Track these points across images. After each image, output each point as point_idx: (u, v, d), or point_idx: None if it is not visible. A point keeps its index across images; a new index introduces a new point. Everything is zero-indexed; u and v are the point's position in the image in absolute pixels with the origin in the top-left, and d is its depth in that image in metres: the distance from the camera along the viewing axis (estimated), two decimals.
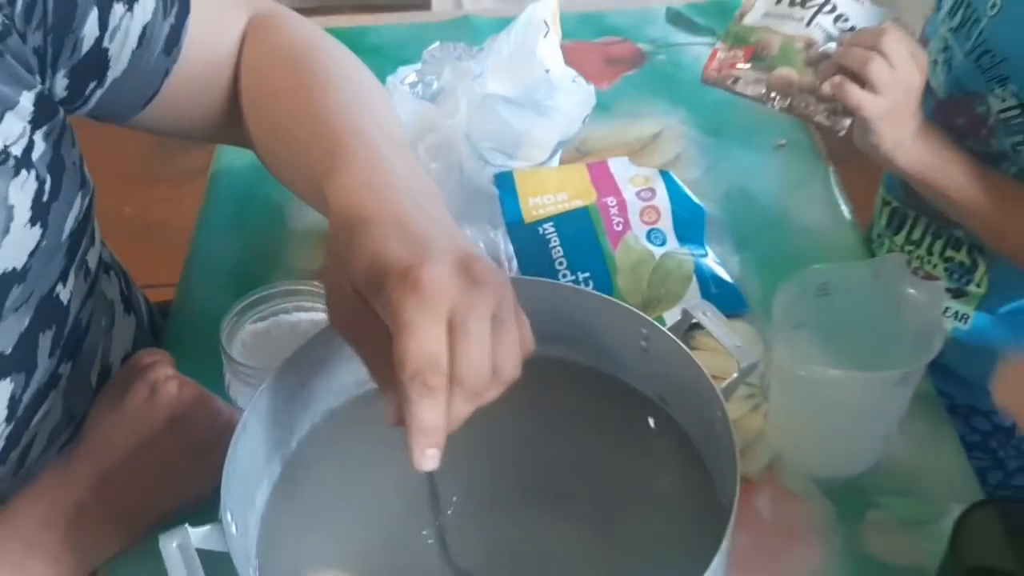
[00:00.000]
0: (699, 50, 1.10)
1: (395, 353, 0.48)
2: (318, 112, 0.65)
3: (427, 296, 0.48)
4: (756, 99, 0.81)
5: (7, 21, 0.63)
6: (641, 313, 0.63)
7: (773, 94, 0.80)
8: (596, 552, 0.59)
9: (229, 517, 0.53)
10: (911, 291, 0.63)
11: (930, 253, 0.91)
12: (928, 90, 0.82)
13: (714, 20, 1.13)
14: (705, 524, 0.54)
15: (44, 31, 0.65)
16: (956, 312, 0.91)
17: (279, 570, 0.57)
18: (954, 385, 0.91)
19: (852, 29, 0.79)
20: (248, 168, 0.98)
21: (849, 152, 0.85)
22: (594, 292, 0.65)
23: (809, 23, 0.80)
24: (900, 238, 0.93)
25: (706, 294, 0.80)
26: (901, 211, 0.93)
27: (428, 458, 0.49)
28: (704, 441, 0.60)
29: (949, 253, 0.90)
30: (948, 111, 0.83)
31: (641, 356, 0.63)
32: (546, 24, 0.84)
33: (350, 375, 0.66)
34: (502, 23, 0.92)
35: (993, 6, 0.79)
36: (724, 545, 0.50)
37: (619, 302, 0.64)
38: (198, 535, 0.51)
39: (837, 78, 0.75)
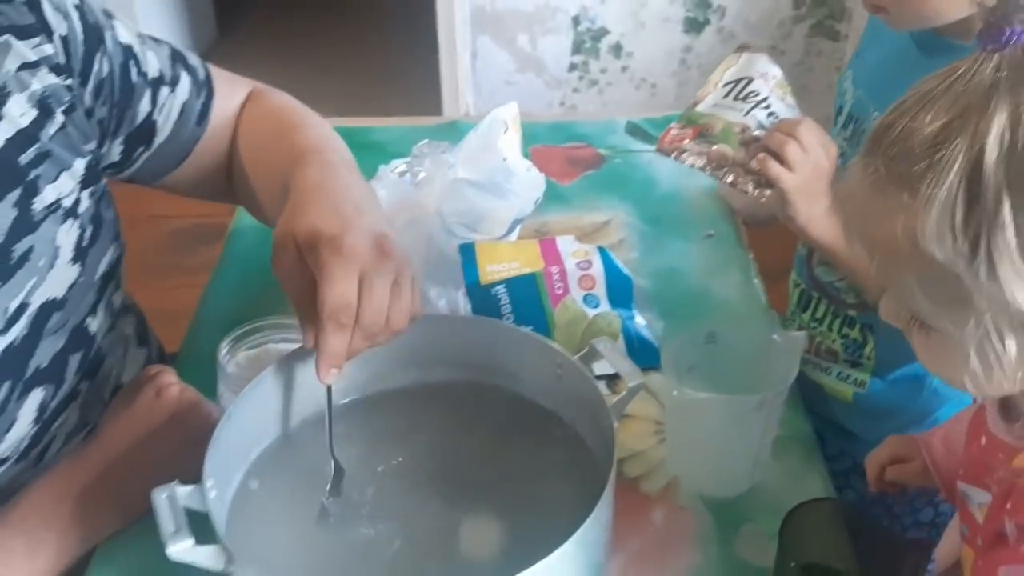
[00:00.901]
0: (651, 156, 1.26)
1: (319, 296, 0.67)
2: (291, 142, 0.86)
3: (346, 256, 0.67)
4: (696, 168, 0.96)
5: (75, 100, 0.81)
6: (557, 347, 0.78)
7: (711, 164, 0.95)
8: (506, 529, 0.72)
9: (209, 484, 0.66)
10: (776, 339, 0.78)
11: (830, 330, 1.05)
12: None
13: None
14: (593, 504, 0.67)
15: (110, 106, 0.84)
16: (855, 379, 1.05)
17: (243, 537, 0.70)
18: (855, 445, 1.04)
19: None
20: (257, 238, 1.15)
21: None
22: (522, 329, 0.81)
23: (747, 114, 0.97)
24: (807, 316, 1.08)
25: (630, 349, 0.94)
26: (807, 293, 1.08)
27: (331, 375, 0.69)
28: (599, 447, 0.73)
29: (845, 331, 1.04)
30: None
31: (556, 382, 0.78)
32: (506, 124, 1.01)
33: (315, 395, 0.80)
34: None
35: (875, 119, 0.95)
36: (598, 507, 0.63)
37: (541, 338, 0.79)
38: (183, 492, 0.65)
39: (761, 155, 0.91)
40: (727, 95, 0.99)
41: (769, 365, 0.78)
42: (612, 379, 0.90)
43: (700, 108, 1.00)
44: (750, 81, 0.99)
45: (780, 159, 0.90)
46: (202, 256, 2.42)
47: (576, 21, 2.57)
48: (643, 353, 0.94)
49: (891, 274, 0.58)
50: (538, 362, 0.79)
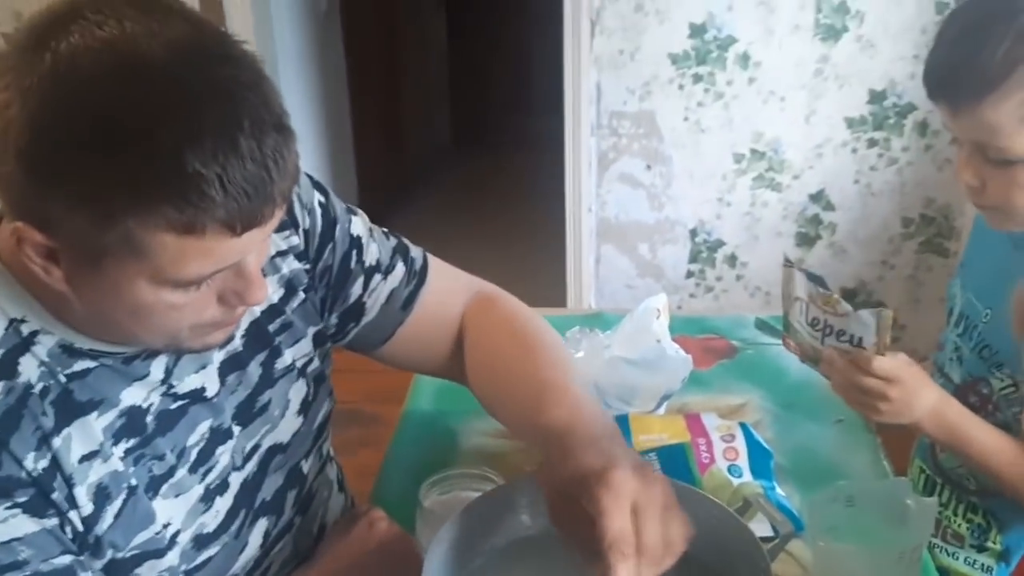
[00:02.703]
0: (780, 349, 1.39)
1: (598, 530, 0.71)
2: (530, 370, 0.95)
3: (616, 490, 0.73)
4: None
5: (310, 279, 1.00)
6: (715, 500, 0.89)
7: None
8: None
9: None
10: (911, 503, 0.88)
11: (955, 514, 1.14)
12: (948, 379, 1.09)
13: None
14: None
15: (328, 287, 1.01)
16: (982, 564, 1.11)
17: None
18: None
19: (852, 338, 1.03)
20: (430, 410, 1.31)
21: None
22: (680, 483, 0.92)
23: (823, 343, 1.06)
24: (932, 500, 1.16)
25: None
26: (931, 478, 1.17)
27: None
28: None
29: (969, 515, 1.12)
30: (963, 393, 1.10)
31: (710, 532, 0.88)
32: (658, 311, 1.17)
33: (503, 533, 0.93)
34: (623, 317, 1.26)
35: (985, 316, 1.08)
36: None
37: (701, 492, 0.90)
38: None
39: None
40: (801, 314, 1.07)
41: (905, 527, 0.87)
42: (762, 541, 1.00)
43: (791, 319, 1.10)
44: (807, 305, 1.05)
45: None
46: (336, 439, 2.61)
47: (694, 233, 2.78)
48: None
49: None
50: (694, 513, 0.89)
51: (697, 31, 2.52)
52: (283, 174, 0.70)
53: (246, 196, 0.67)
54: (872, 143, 2.60)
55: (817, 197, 2.68)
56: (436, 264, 1.09)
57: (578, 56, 2.56)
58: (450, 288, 1.09)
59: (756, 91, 2.57)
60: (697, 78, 2.57)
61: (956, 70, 0.91)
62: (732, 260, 2.81)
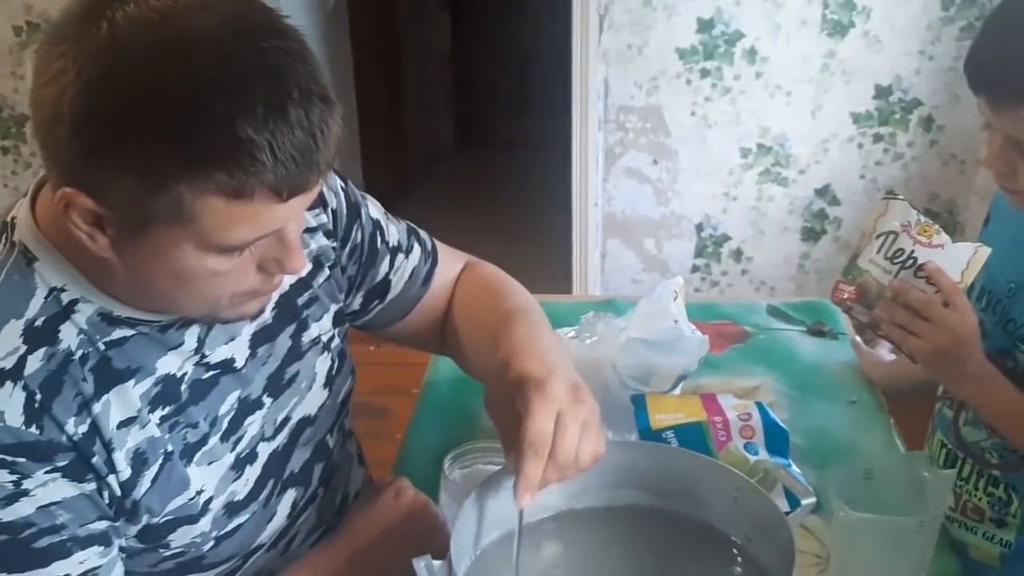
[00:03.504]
0: (791, 334, 1.42)
1: (522, 428, 0.78)
2: (501, 306, 1.00)
3: (547, 397, 0.79)
4: (865, 325, 1.08)
5: (336, 258, 1.02)
6: (736, 472, 0.90)
7: (874, 326, 1.07)
8: None
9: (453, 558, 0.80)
10: (928, 476, 0.89)
11: (976, 488, 1.15)
12: None
13: (803, 314, 1.47)
14: None
15: (359, 265, 1.04)
16: (1001, 539, 1.13)
17: None
18: None
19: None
20: (448, 391, 1.33)
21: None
22: (701, 455, 0.94)
23: (896, 276, 1.05)
24: (950, 472, 1.17)
25: (789, 492, 1.06)
26: (952, 453, 1.18)
27: (525, 499, 0.78)
28: (776, 563, 0.84)
29: (990, 489, 1.14)
30: None
31: (731, 505, 0.90)
32: (675, 292, 1.18)
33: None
34: (635, 303, 1.28)
35: (1009, 289, 1.09)
36: None
37: (722, 464, 0.92)
38: (435, 564, 0.79)
39: (896, 333, 1.02)
40: (879, 250, 1.07)
41: (923, 499, 0.89)
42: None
43: (860, 261, 1.09)
44: (896, 237, 1.05)
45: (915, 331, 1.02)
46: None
47: (699, 228, 2.80)
48: None
49: None
50: (716, 486, 0.91)
51: (705, 26, 2.53)
52: (327, 143, 0.72)
53: (294, 163, 0.69)
54: (878, 138, 2.62)
55: (823, 192, 2.70)
56: (438, 244, 1.15)
57: (586, 51, 2.58)
58: (450, 264, 1.14)
59: (763, 86, 2.59)
60: (704, 73, 2.59)
61: (1002, 68, 0.93)
62: (738, 255, 2.82)
